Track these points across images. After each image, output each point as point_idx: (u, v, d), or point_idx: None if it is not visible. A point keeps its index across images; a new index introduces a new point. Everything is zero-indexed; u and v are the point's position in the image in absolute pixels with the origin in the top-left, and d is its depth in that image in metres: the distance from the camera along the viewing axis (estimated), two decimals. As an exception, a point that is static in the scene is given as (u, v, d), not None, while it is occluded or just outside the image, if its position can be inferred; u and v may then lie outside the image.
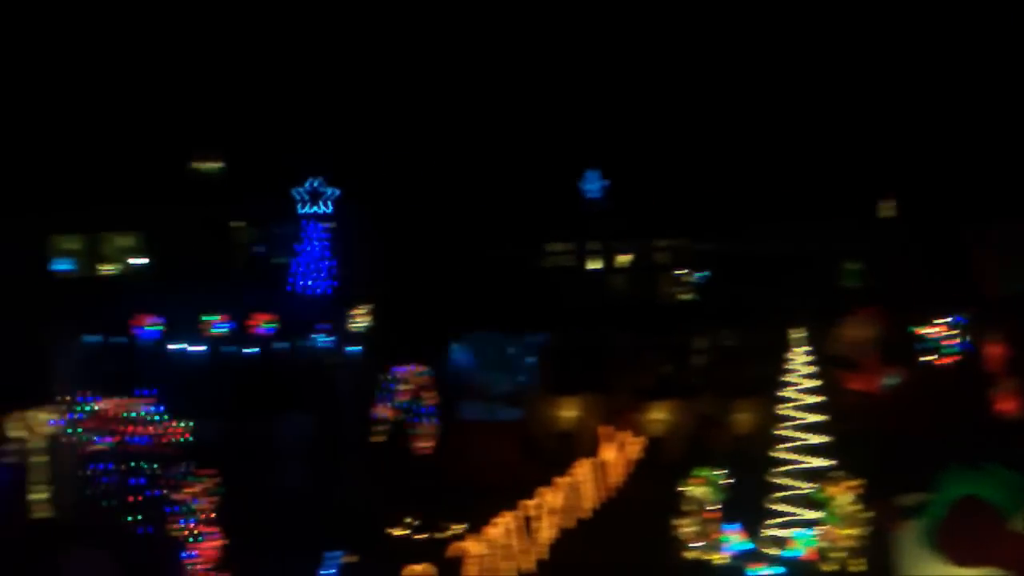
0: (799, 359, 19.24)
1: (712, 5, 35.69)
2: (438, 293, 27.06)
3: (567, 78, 35.03)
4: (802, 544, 18.14)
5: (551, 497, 19.53)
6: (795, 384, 19.13)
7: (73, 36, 30.46)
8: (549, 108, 34.69)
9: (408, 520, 19.79)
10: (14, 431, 20.04)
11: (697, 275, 34.66)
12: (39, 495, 20.13)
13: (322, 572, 12.71)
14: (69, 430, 19.68)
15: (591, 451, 23.76)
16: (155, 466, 19.66)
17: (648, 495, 21.56)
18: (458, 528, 19.33)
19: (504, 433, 24.95)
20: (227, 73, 31.49)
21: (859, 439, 20.67)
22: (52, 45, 29.83)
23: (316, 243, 20.68)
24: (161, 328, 25.76)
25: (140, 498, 18.82)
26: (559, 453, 24.18)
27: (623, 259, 35.82)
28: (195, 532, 16.59)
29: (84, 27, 30.59)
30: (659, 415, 25.43)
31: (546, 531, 19.01)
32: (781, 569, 17.71)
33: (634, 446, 24.83)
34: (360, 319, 28.22)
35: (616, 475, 23.68)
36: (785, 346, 19.53)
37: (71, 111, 29.52)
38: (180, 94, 30.60)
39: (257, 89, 31.10)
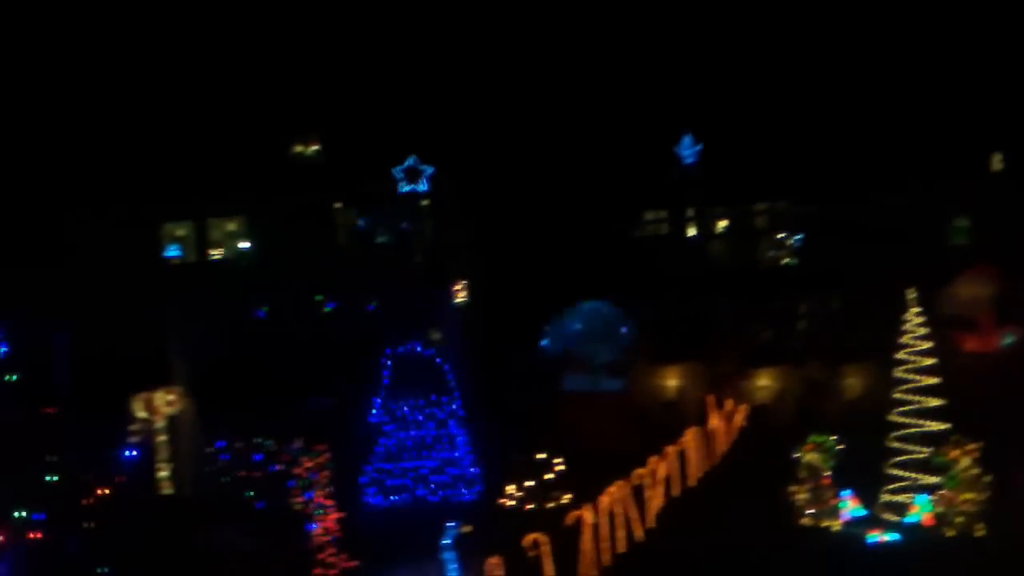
0: (912, 320, 18.71)
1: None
2: (536, 266, 27.14)
3: (659, 44, 34.55)
4: (921, 509, 17.73)
5: (661, 466, 19.46)
6: (909, 346, 18.63)
7: (177, 36, 31.32)
8: (641, 74, 34.27)
9: (516, 491, 19.97)
10: (139, 412, 20.95)
11: (796, 238, 33.99)
12: (163, 472, 21.04)
13: (442, 542, 12.98)
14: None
15: (696, 420, 23.58)
16: (270, 443, 20.40)
17: (757, 462, 21.35)
18: (566, 498, 19.45)
19: (608, 404, 24.94)
20: (322, 57, 32.02)
21: (976, 400, 20.09)
22: (159, 46, 30.73)
23: (419, 221, 20.99)
24: (268, 309, 26.51)
25: (260, 473, 19.54)
26: (664, 422, 24.08)
27: (721, 224, 35.30)
28: (315, 505, 17.07)
29: (186, 26, 31.41)
30: (765, 382, 25.07)
31: (657, 500, 18.98)
32: (898, 535, 17.33)
33: (740, 414, 24.58)
34: (460, 295, 28.59)
35: (723, 443, 23.47)
36: (892, 308, 19.03)
37: (178, 106, 30.45)
38: (278, 83, 31.23)
39: (352, 71, 31.52)
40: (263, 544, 15.33)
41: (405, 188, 27.14)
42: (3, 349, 22.68)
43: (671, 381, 25.49)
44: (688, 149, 34.60)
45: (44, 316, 23.64)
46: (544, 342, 25.45)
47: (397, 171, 28.05)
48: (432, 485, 19.96)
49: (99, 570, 14.12)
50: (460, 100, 31.92)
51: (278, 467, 19.50)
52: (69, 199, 27.77)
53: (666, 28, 35.04)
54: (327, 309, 23.72)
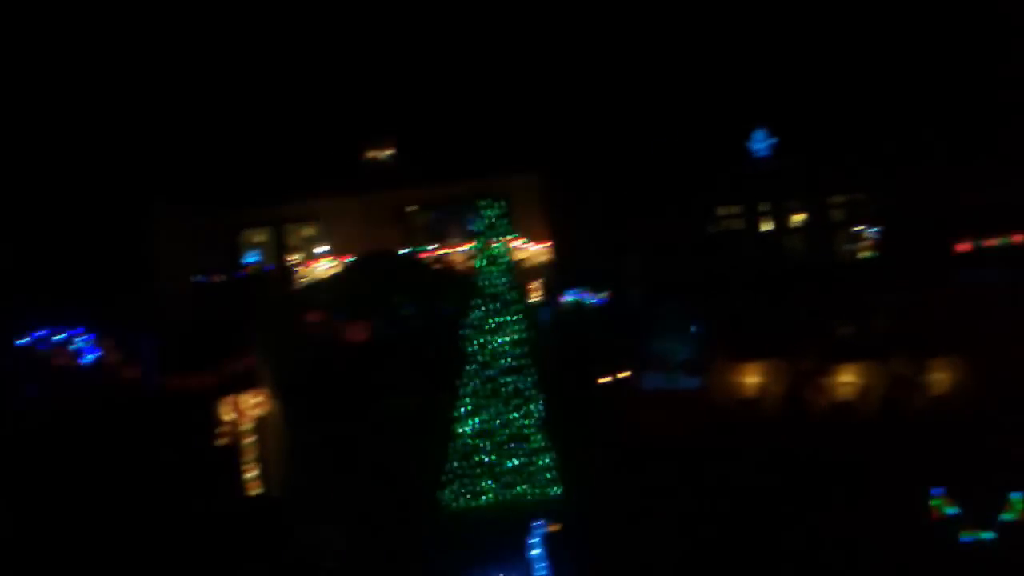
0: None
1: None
2: (611, 263, 27.10)
3: (731, 36, 34.29)
4: (1018, 507, 17.26)
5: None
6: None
7: (249, 43, 32.00)
8: (716, 68, 34.06)
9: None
10: (226, 414, 21.46)
11: (873, 230, 33.39)
12: (251, 473, 21.51)
13: (530, 541, 13.02)
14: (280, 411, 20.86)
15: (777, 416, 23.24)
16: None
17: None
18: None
19: (685, 402, 24.73)
20: (395, 61, 32.46)
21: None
22: (233, 53, 31.44)
23: (494, 220, 21.04)
24: (346, 311, 26.87)
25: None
26: (743, 421, 23.78)
27: (797, 218, 34.83)
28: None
29: (257, 34, 32.08)
30: (848, 378, 24.58)
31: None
32: (993, 534, 16.89)
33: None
34: (535, 294, 28.72)
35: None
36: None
37: (255, 114, 31.15)
38: (352, 87, 31.73)
39: (423, 75, 31.88)
40: (358, 542, 15.53)
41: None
42: (95, 355, 23.49)
43: (750, 378, 25.14)
44: (761, 143, 34.24)
45: (133, 322, 24.32)
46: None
47: None
48: (513, 484, 19.99)
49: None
50: (531, 102, 32.13)
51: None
52: (153, 208, 28.52)
53: (737, 20, 34.76)
54: (406, 311, 24.01)
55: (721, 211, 34.88)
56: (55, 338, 22.58)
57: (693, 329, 26.13)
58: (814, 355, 25.43)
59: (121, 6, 30.08)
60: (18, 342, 22.40)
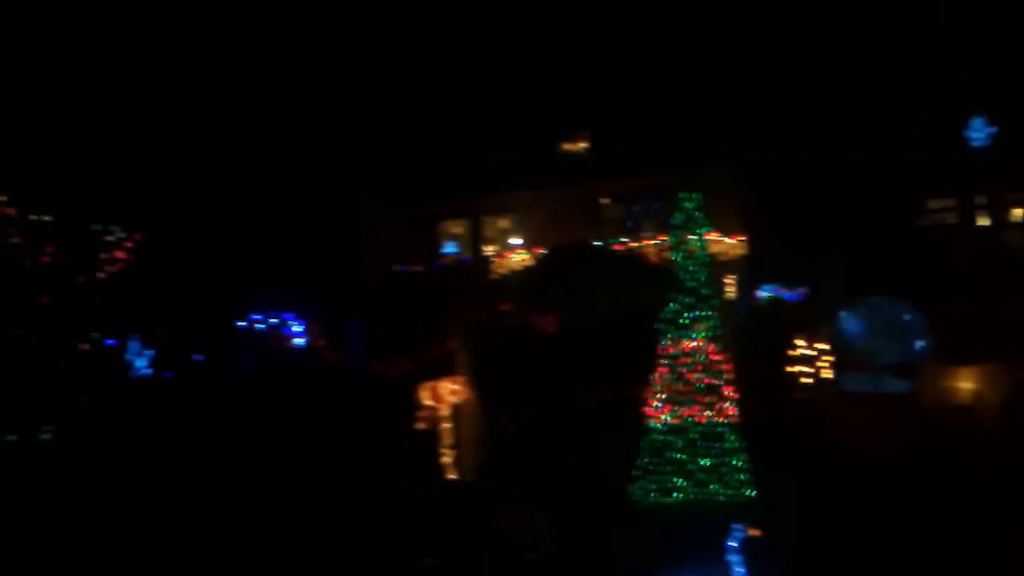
0: None
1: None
2: (816, 259, 26.15)
3: (945, 20, 32.25)
4: None
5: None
6: None
7: (448, 37, 32.85)
8: (928, 50, 32.14)
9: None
10: (425, 400, 22.28)
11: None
12: (447, 459, 22.24)
13: (729, 543, 12.81)
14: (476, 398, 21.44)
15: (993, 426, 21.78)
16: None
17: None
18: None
19: (892, 406, 23.56)
20: (588, 53, 32.52)
21: None
22: (433, 49, 32.39)
23: (691, 213, 20.78)
24: (539, 303, 27.17)
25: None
26: (955, 428, 22.44)
27: (1018, 212, 32.40)
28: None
29: (456, 28, 32.88)
30: (1078, 386, 22.70)
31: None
32: None
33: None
34: (730, 290, 28.09)
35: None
36: None
37: (451, 109, 31.99)
38: (546, 81, 32.05)
39: (620, 67, 31.78)
40: (559, 532, 15.74)
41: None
42: (305, 339, 24.89)
43: (964, 383, 23.65)
44: (979, 132, 32.02)
45: (340, 309, 25.57)
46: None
47: None
48: (705, 483, 19.72)
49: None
50: (728, 90, 31.37)
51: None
52: (360, 201, 29.81)
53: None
54: (599, 304, 24.07)
55: (933, 204, 32.90)
56: (270, 321, 24.07)
57: (905, 328, 24.82)
58: (1036, 360, 23.68)
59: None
60: (238, 323, 24.02)
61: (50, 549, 14.74)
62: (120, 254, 18.64)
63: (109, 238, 19.68)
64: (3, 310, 15.99)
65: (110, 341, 18.99)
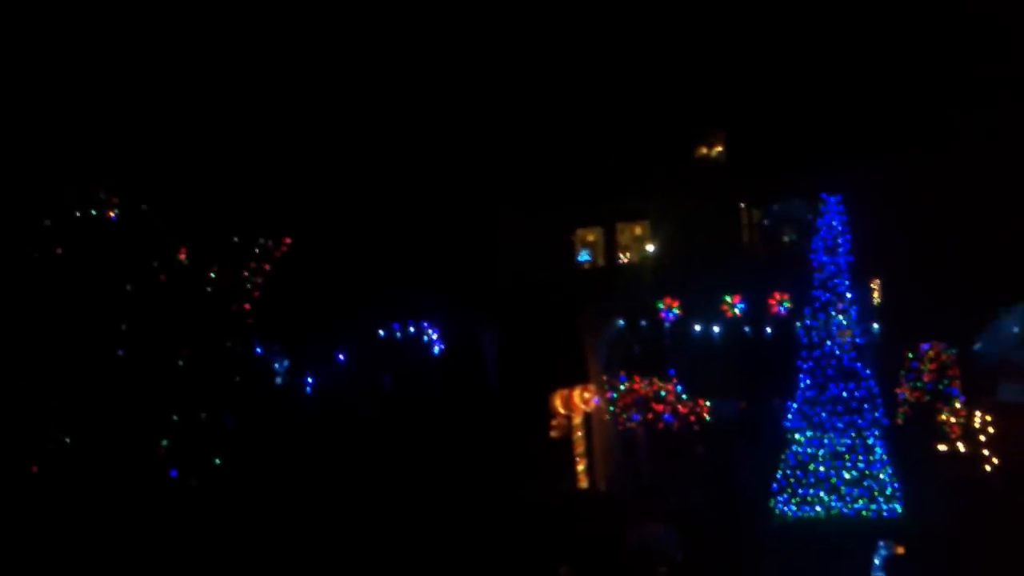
0: None
1: None
2: (967, 260, 24.86)
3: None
4: None
5: None
6: None
7: (583, 49, 32.83)
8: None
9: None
10: (560, 408, 22.32)
11: None
12: (580, 467, 22.21)
13: (874, 560, 12.32)
14: (611, 408, 21.35)
15: None
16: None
17: None
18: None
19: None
20: (723, 55, 31.91)
21: None
22: (569, 60, 32.40)
23: (835, 216, 20.14)
24: (679, 311, 26.81)
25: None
26: None
27: None
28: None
29: (595, 38, 32.81)
30: None
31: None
32: None
33: None
34: (875, 293, 27.00)
35: None
36: None
37: (587, 115, 31.96)
38: (682, 86, 31.63)
39: (754, 72, 31.09)
40: (691, 542, 15.53)
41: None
42: (442, 346, 25.36)
43: None
44: None
45: (477, 317, 25.91)
46: (977, 347, 23.22)
47: None
48: (848, 497, 19.05)
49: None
50: (864, 94, 30.24)
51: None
52: (499, 211, 30.14)
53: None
54: (737, 310, 23.55)
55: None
56: (409, 330, 24.63)
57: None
58: None
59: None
60: (380, 333, 24.67)
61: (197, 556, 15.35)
62: (267, 265, 19.42)
63: (262, 246, 20.30)
64: (151, 320, 16.87)
65: (258, 351, 19.82)
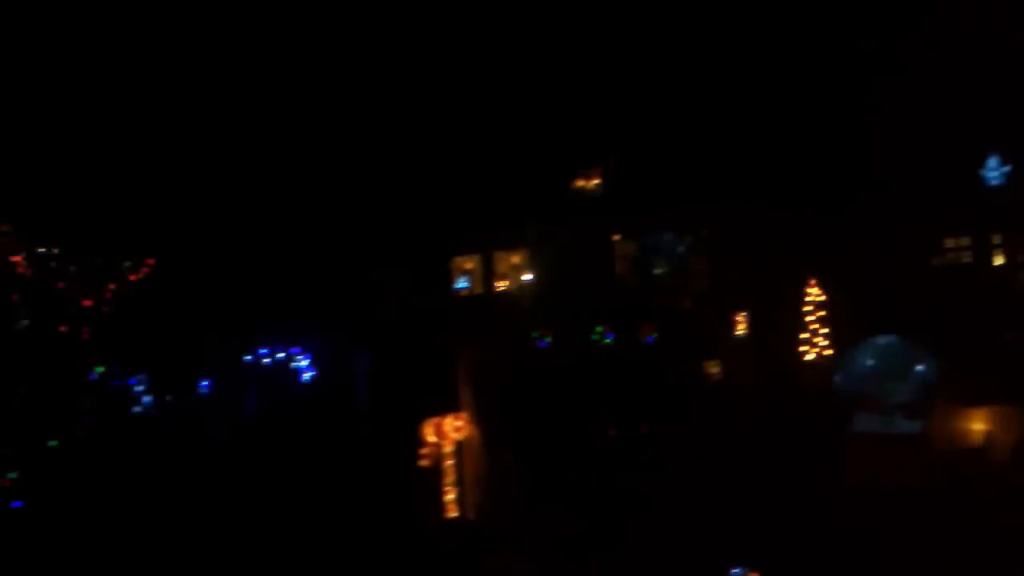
0: None
1: None
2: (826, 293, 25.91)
3: (964, 59, 32.13)
4: None
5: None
6: None
7: (463, 77, 33.04)
8: (944, 89, 32.01)
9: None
10: (430, 436, 22.11)
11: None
12: (450, 496, 22.02)
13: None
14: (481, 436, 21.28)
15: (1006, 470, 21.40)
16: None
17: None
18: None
19: (903, 448, 23.19)
20: (601, 91, 32.60)
21: None
22: (454, 92, 32.57)
23: (699, 250, 20.73)
24: (549, 339, 27.11)
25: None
26: (968, 471, 22.05)
27: (1034, 252, 32.04)
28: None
29: (469, 68, 33.08)
30: (1093, 430, 22.26)
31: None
32: None
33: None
34: (740, 327, 27.86)
35: None
36: None
37: (464, 150, 32.14)
38: (561, 119, 32.15)
39: (633, 106, 31.85)
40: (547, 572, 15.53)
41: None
42: (312, 373, 24.90)
43: (977, 425, 23.28)
44: (995, 170, 31.79)
45: (350, 343, 25.56)
46: (835, 379, 24.15)
47: None
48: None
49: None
50: (742, 126, 31.32)
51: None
52: (373, 234, 29.90)
53: (977, 42, 32.52)
54: (607, 340, 23.96)
55: (949, 243, 32.64)
56: (277, 356, 24.10)
57: (916, 368, 24.47)
58: (1052, 402, 23.27)
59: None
60: (245, 358, 24.06)
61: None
62: (126, 284, 18.71)
63: (123, 266, 19.58)
64: (8, 340, 16.02)
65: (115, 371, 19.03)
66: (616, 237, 30.83)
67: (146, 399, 20.39)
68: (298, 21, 30.25)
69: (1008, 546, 18.25)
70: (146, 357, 20.54)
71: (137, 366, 20.39)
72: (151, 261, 19.37)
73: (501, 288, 31.31)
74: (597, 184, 31.80)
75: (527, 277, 30.70)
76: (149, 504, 17.90)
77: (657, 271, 29.45)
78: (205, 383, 22.69)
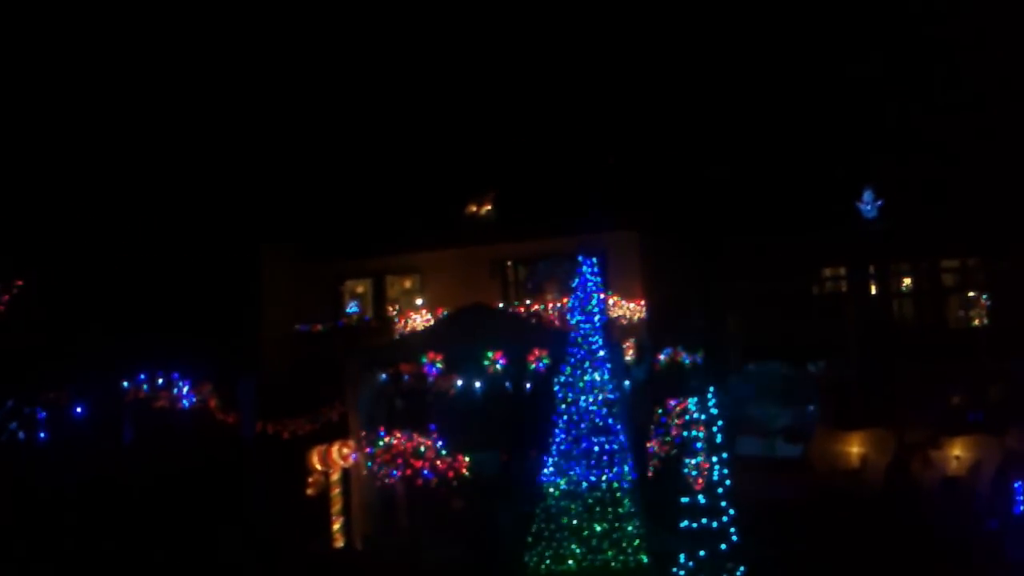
0: None
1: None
2: (709, 324, 26.55)
3: (840, 93, 33.66)
4: None
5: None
6: None
7: (359, 101, 32.92)
8: (821, 124, 33.46)
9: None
10: (317, 464, 21.60)
11: (987, 296, 31.94)
12: (336, 525, 21.55)
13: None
14: (367, 464, 20.91)
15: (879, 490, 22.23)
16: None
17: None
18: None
19: (784, 471, 23.88)
20: (492, 118, 32.91)
21: None
22: (340, 113, 32.38)
23: (589, 278, 20.84)
24: (441, 365, 26.87)
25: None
26: (845, 491, 22.83)
27: (906, 282, 33.62)
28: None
29: (368, 93, 32.99)
30: (959, 452, 23.29)
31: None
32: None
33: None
34: (631, 352, 28.25)
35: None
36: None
37: (356, 169, 31.94)
38: (452, 146, 32.29)
39: (522, 132, 32.21)
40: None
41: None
42: (193, 399, 24.07)
43: (854, 448, 24.14)
44: (869, 204, 33.33)
45: (233, 367, 24.85)
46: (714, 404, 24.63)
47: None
48: (597, 550, 19.47)
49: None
50: (629, 156, 32.06)
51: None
52: (259, 255, 29.32)
53: (859, 83, 34.12)
54: (499, 367, 23.86)
55: (827, 272, 33.96)
56: (157, 382, 23.24)
57: (795, 394, 25.30)
58: (923, 426, 24.29)
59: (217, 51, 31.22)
60: (123, 384, 23.12)
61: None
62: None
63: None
64: None
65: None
66: (508, 262, 30.99)
67: (11, 425, 19.32)
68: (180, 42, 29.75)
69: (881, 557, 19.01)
70: (14, 383, 19.51)
71: (4, 393, 19.33)
72: (20, 282, 18.42)
73: (393, 313, 31.03)
74: (489, 209, 31.96)
75: (419, 302, 30.54)
76: (15, 537, 16.96)
77: (549, 296, 29.70)
78: (79, 409, 21.70)
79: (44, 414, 21.07)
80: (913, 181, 33.20)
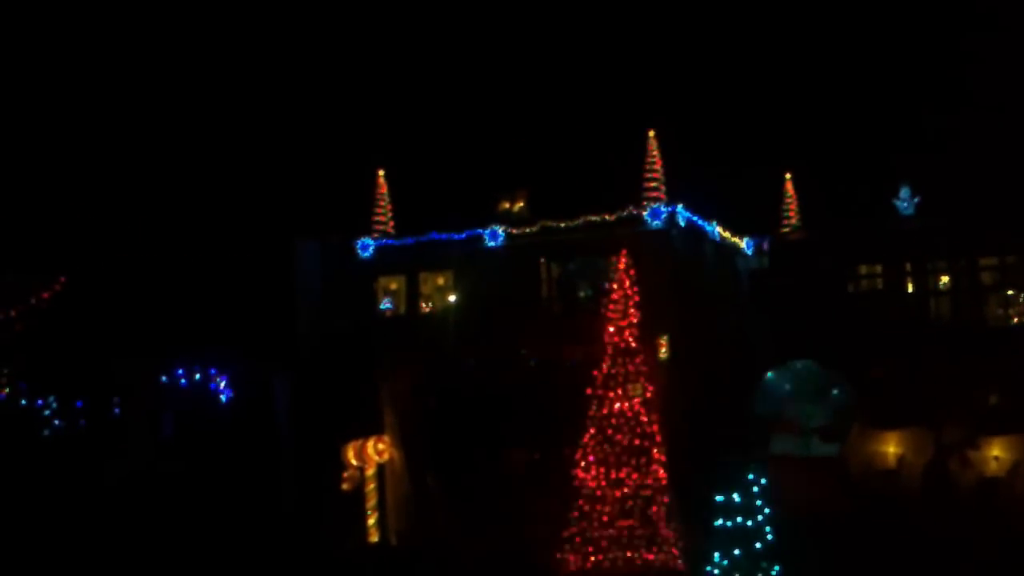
0: None
1: None
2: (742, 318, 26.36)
3: (878, 90, 33.33)
4: None
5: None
6: None
7: (392, 102, 33.03)
8: (858, 120, 33.13)
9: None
10: (352, 459, 21.78)
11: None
12: (371, 520, 21.72)
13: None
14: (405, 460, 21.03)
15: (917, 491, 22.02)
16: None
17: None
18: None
19: (819, 470, 23.66)
20: (526, 115, 32.90)
21: None
22: (370, 113, 32.52)
23: (623, 275, 20.81)
24: (474, 361, 26.96)
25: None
26: (881, 492, 22.64)
27: (943, 280, 33.15)
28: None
29: (401, 94, 33.09)
30: (997, 452, 23.03)
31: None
32: None
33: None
34: (663, 351, 28.10)
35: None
36: None
37: (395, 166, 32.07)
38: (486, 143, 32.31)
39: (558, 129, 32.17)
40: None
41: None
42: (230, 394, 24.31)
43: (890, 448, 23.90)
44: (906, 200, 32.89)
45: (267, 365, 25.06)
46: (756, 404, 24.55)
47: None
48: (632, 548, 19.48)
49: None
50: (668, 154, 31.90)
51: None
52: (295, 253, 29.51)
53: (887, 80, 33.76)
54: (532, 363, 23.94)
55: (863, 270, 33.57)
56: (195, 376, 23.50)
57: (833, 393, 25.04)
58: (961, 426, 23.97)
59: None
60: (162, 379, 23.40)
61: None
62: (37, 302, 18.02)
63: (33, 283, 18.88)
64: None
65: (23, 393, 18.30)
66: (542, 259, 30.87)
67: (56, 421, 19.62)
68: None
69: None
70: (56, 377, 19.80)
71: (46, 387, 19.62)
72: (63, 279, 18.68)
73: (426, 310, 31.09)
74: (522, 206, 31.86)
75: (452, 298, 30.55)
76: (57, 530, 17.23)
77: (582, 293, 29.61)
78: (118, 403, 21.99)
79: (84, 407, 21.36)
80: (950, 178, 32.79)
